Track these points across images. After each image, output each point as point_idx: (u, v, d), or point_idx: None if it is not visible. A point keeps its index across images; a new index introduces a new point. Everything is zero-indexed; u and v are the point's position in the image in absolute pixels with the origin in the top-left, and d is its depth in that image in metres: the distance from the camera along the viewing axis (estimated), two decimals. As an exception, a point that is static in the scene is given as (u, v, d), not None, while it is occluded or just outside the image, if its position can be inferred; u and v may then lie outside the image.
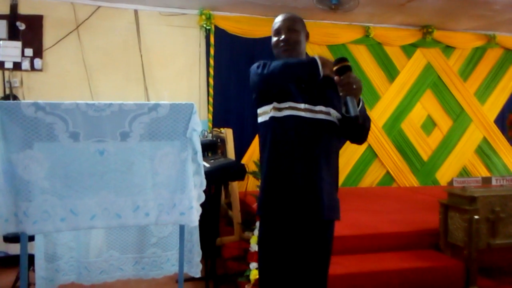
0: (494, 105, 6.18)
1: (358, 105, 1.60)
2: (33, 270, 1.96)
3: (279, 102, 1.68)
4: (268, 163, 1.71)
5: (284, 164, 1.66)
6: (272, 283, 1.68)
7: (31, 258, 1.87)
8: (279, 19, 1.82)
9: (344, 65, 1.55)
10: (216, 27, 5.08)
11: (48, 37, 4.60)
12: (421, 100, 5.90)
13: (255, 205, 3.59)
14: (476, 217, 3.07)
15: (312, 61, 1.61)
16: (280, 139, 1.68)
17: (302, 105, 1.67)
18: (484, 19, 5.35)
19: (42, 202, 1.54)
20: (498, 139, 6.15)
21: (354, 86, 1.54)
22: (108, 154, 1.62)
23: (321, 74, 1.59)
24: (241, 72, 5.10)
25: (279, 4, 4.73)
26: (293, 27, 1.77)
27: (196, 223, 1.74)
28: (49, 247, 1.94)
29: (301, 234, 1.67)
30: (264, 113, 1.74)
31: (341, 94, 1.59)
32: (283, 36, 1.75)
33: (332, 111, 1.71)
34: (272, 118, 1.69)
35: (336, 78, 1.57)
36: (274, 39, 1.80)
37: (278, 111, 1.68)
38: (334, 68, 1.57)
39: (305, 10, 4.73)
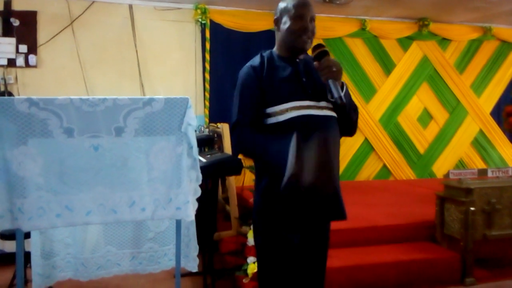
0: (490, 97, 6.19)
1: (342, 89, 1.53)
2: (30, 267, 1.96)
3: (281, 103, 1.54)
4: (272, 169, 1.51)
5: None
6: (274, 283, 1.62)
7: (28, 255, 1.86)
8: (301, 3, 1.61)
9: (321, 51, 1.56)
10: (211, 21, 5.06)
11: (43, 33, 4.56)
12: (417, 93, 5.90)
13: (252, 200, 3.59)
14: (472, 208, 3.08)
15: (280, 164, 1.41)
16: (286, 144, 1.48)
17: (306, 102, 1.54)
18: (480, 11, 5.35)
19: (37, 198, 1.53)
20: (494, 131, 6.17)
21: (334, 69, 1.51)
22: (103, 149, 1.61)
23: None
24: (237, 66, 4.99)
25: (275, -3, 4.70)
26: (314, 17, 1.63)
27: (193, 217, 1.74)
28: (45, 244, 1.94)
29: (311, 235, 1.62)
30: (265, 117, 1.58)
31: (322, 79, 1.54)
32: (308, 25, 1.60)
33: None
34: (275, 123, 1.54)
35: (315, 63, 1.55)
36: (292, 23, 1.58)
37: (281, 114, 1.53)
38: (313, 54, 1.57)
39: (301, 4, 4.71)
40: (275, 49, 1.70)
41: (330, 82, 1.51)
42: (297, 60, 1.64)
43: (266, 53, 1.68)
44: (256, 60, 1.65)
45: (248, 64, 1.66)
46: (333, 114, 1.60)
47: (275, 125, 1.54)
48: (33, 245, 1.91)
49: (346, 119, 1.64)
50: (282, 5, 1.65)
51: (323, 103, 1.57)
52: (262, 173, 1.62)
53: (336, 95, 1.48)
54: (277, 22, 1.65)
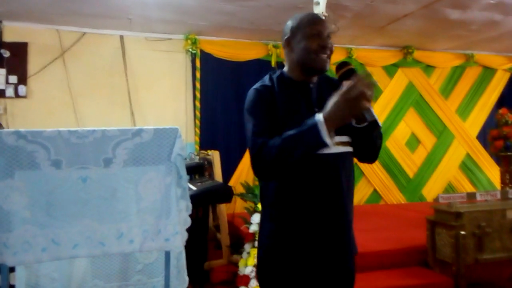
0: (476, 121, 6.33)
1: None
2: (14, 303, 1.90)
3: None
4: (279, 217, 1.40)
5: (304, 218, 1.37)
6: None
7: (12, 290, 1.81)
8: (316, 18, 1.44)
9: (348, 69, 1.33)
10: (201, 51, 5.16)
11: (33, 64, 4.60)
12: (404, 118, 6.01)
13: (243, 227, 3.57)
14: (462, 232, 3.09)
15: (312, 128, 1.23)
16: (295, 187, 1.36)
17: None
18: (462, 39, 5.54)
19: (23, 232, 1.51)
20: (481, 154, 6.27)
21: (369, 93, 1.22)
22: (91, 181, 1.60)
23: (329, 142, 1.23)
24: (227, 94, 5.16)
25: (263, 28, 4.83)
26: (330, 34, 1.44)
27: (182, 248, 1.72)
28: (30, 279, 1.88)
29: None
30: None
31: None
32: (326, 43, 1.42)
33: (348, 138, 1.43)
34: None
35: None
36: (309, 42, 1.40)
37: None
38: (337, 75, 1.36)
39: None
40: (286, 70, 1.48)
41: None
42: (311, 85, 1.45)
43: (276, 75, 1.47)
44: (266, 80, 1.46)
45: (257, 84, 1.45)
46: (348, 149, 1.44)
47: None
48: (18, 280, 1.86)
49: (371, 145, 1.45)
50: (292, 23, 1.45)
51: (336, 139, 1.33)
52: (266, 218, 1.47)
53: (369, 118, 1.26)
54: (289, 42, 1.44)
